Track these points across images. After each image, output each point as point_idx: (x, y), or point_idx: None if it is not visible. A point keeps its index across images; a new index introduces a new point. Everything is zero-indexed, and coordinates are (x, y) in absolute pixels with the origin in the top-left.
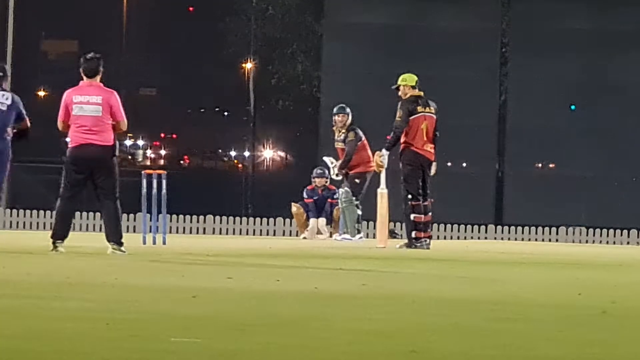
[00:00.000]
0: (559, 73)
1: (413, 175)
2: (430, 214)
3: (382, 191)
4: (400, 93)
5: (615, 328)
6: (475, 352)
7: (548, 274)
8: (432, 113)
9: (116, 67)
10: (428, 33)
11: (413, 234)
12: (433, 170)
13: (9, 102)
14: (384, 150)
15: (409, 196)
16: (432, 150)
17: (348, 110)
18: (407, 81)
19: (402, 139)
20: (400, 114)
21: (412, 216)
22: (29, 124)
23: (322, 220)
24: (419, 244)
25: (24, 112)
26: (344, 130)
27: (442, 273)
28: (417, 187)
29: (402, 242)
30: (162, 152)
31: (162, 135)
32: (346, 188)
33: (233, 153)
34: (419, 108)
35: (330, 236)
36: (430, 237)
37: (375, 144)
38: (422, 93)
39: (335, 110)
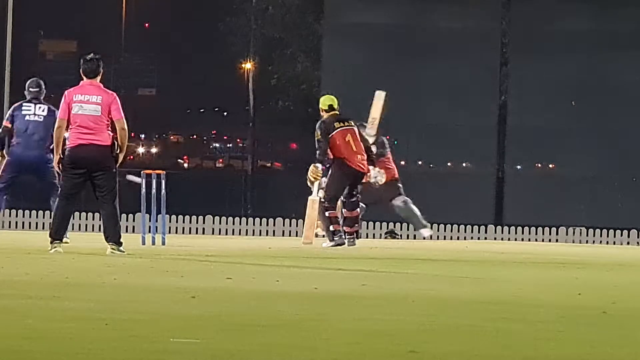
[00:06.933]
0: (559, 73)
1: (335, 183)
2: (357, 210)
3: (314, 198)
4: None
5: (615, 328)
6: (475, 352)
7: (548, 274)
8: (351, 125)
9: (115, 67)
10: (428, 33)
11: (331, 228)
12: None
13: (44, 113)
14: (318, 164)
15: (323, 198)
16: (363, 164)
17: None
18: (320, 105)
19: (334, 155)
20: (318, 133)
21: (327, 213)
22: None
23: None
24: (337, 237)
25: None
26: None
27: (442, 273)
28: (335, 195)
29: (330, 243)
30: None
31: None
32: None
33: (232, 153)
34: (337, 124)
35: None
36: (357, 233)
37: None
38: (337, 112)
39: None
